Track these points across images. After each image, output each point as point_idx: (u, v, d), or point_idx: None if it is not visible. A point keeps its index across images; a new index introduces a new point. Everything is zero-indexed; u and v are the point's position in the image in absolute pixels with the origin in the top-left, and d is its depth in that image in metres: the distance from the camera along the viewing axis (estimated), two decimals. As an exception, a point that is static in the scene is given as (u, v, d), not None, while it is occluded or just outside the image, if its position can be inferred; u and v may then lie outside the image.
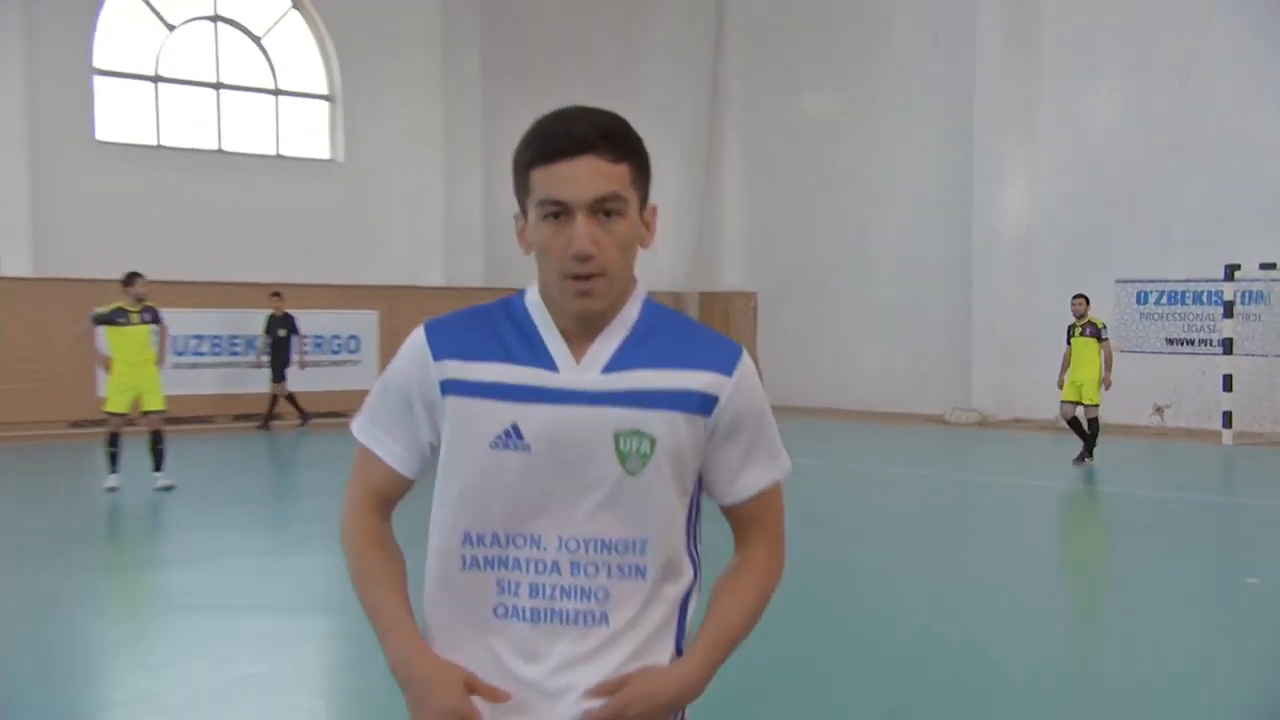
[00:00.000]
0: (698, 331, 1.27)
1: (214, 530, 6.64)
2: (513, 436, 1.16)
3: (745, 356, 1.24)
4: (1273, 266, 11.15)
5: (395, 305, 12.95)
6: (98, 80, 12.06)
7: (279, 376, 11.80)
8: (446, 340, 1.21)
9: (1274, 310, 12.00)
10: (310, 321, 12.19)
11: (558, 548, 1.17)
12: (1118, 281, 12.78)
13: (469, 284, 13.37)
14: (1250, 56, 11.81)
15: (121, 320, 7.98)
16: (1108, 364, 9.52)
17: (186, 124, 12.81)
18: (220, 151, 13.04)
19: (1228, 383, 11.38)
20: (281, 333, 11.85)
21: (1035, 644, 4.38)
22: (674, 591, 1.20)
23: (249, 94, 13.36)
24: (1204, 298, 12.30)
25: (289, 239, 12.83)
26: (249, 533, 6.74)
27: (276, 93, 13.55)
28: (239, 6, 13.11)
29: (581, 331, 1.17)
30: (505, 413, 1.17)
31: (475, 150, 14.09)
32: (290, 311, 11.90)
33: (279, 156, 13.57)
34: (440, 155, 14.03)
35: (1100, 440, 9.47)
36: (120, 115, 12.30)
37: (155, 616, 4.93)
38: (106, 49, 12.09)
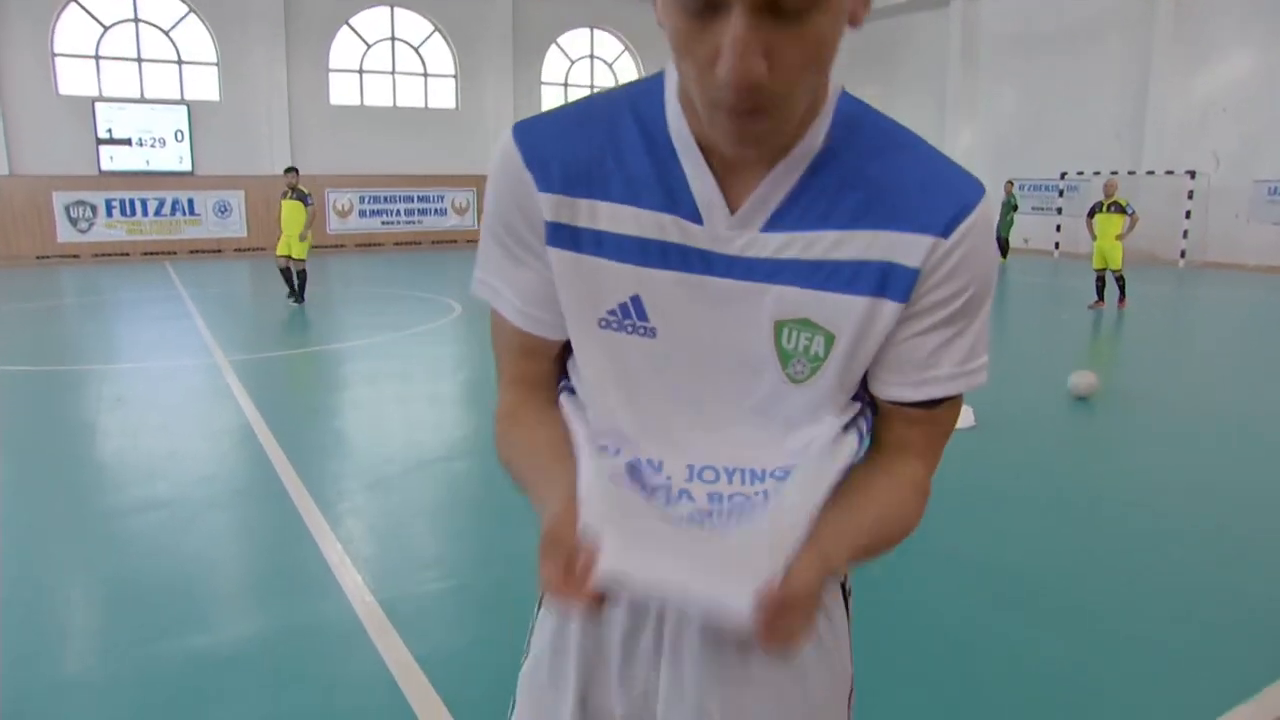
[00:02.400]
0: (913, 162, 0.82)
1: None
2: (630, 314, 0.84)
3: (979, 207, 0.81)
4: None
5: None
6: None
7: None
8: (552, 162, 0.85)
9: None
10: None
11: (686, 478, 0.85)
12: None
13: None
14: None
15: (282, 198, 11.71)
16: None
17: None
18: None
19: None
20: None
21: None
22: None
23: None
24: None
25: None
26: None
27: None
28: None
29: (743, 162, 0.79)
30: (625, 278, 0.83)
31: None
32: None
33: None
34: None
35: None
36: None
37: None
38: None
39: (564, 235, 0.87)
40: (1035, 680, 2.86)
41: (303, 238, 11.54)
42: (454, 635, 3.15)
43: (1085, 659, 2.97)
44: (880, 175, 0.81)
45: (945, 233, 0.81)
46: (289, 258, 11.56)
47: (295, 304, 11.68)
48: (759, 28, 0.67)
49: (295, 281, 11.67)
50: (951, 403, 0.93)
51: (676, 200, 0.82)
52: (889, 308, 0.83)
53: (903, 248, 0.81)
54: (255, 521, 4.32)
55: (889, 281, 0.82)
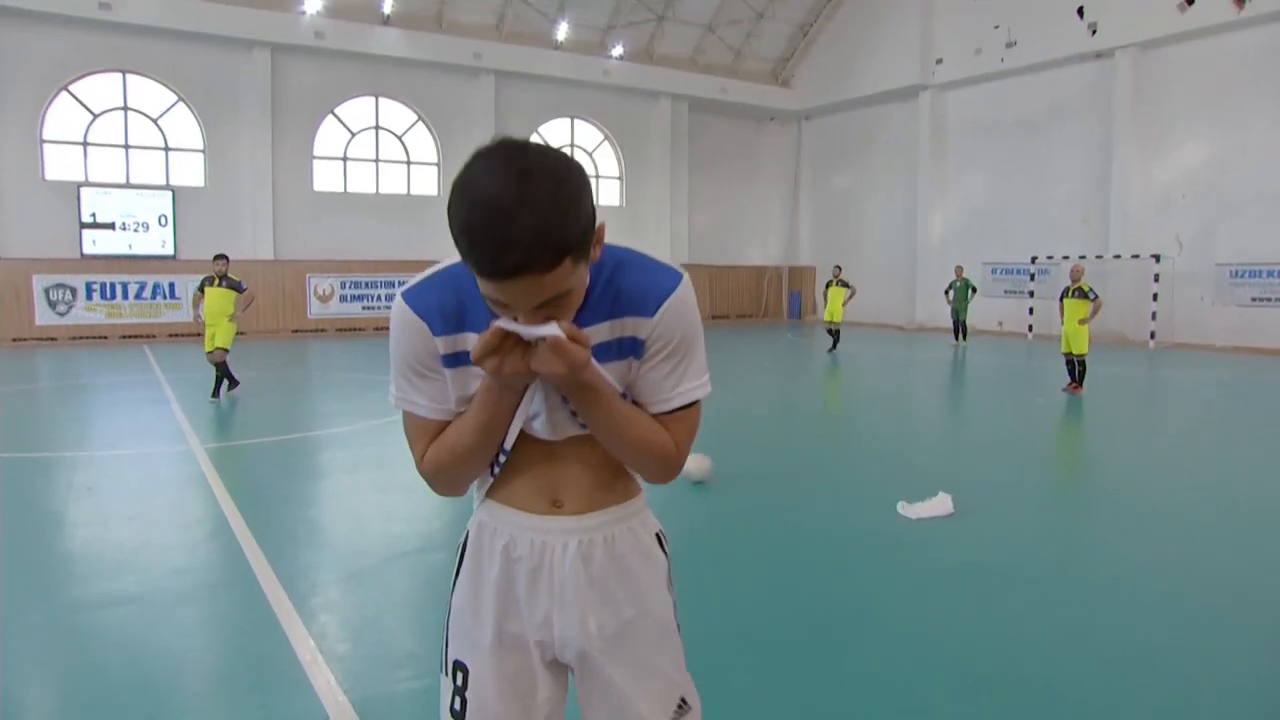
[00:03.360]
0: (637, 272, 1.38)
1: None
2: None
3: (676, 290, 1.37)
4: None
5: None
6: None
7: None
8: (435, 315, 1.37)
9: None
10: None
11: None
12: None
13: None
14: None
15: (208, 285, 10.81)
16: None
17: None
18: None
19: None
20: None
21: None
22: None
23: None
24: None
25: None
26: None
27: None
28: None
29: None
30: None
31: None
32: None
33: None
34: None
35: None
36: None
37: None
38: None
39: (452, 359, 1.43)
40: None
41: (233, 319, 10.87)
42: (428, 736, 3.08)
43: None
44: (620, 285, 1.38)
45: (653, 313, 1.38)
46: (217, 349, 10.78)
47: (210, 399, 10.79)
48: (539, 311, 1.25)
49: (216, 376, 10.86)
50: (690, 407, 1.48)
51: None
52: (635, 363, 1.43)
53: (633, 327, 1.40)
54: (227, 616, 4.24)
55: (626, 348, 1.41)
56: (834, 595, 4.50)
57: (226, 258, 11.16)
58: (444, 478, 1.52)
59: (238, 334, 11.26)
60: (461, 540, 1.66)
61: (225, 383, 10.96)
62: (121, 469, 7.39)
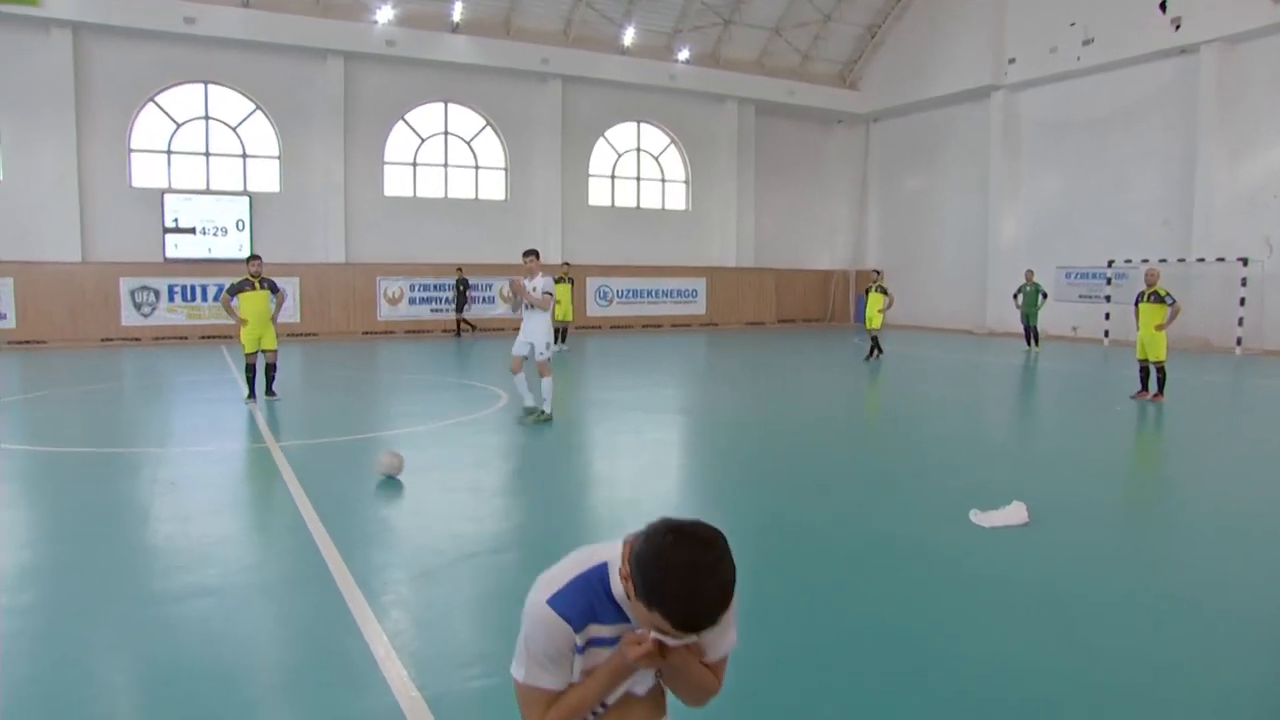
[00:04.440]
0: None
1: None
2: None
3: None
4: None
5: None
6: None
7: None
8: (577, 616, 1.76)
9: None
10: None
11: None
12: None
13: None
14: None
15: (247, 288, 10.76)
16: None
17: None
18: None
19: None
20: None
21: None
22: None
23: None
24: None
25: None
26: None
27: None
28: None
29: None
30: (609, 651, 1.79)
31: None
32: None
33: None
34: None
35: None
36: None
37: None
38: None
39: (583, 646, 1.81)
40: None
41: (274, 320, 10.99)
42: (498, 734, 3.10)
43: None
44: None
45: (718, 617, 1.74)
46: (261, 351, 10.88)
47: (266, 397, 10.92)
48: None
49: (264, 375, 10.98)
50: (722, 659, 1.99)
51: (624, 617, 1.79)
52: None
53: None
54: (302, 610, 4.34)
55: None
56: (898, 600, 4.41)
57: (260, 258, 11.17)
58: None
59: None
60: None
61: (273, 381, 11.07)
62: (202, 465, 7.63)
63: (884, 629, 4.08)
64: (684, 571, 1.62)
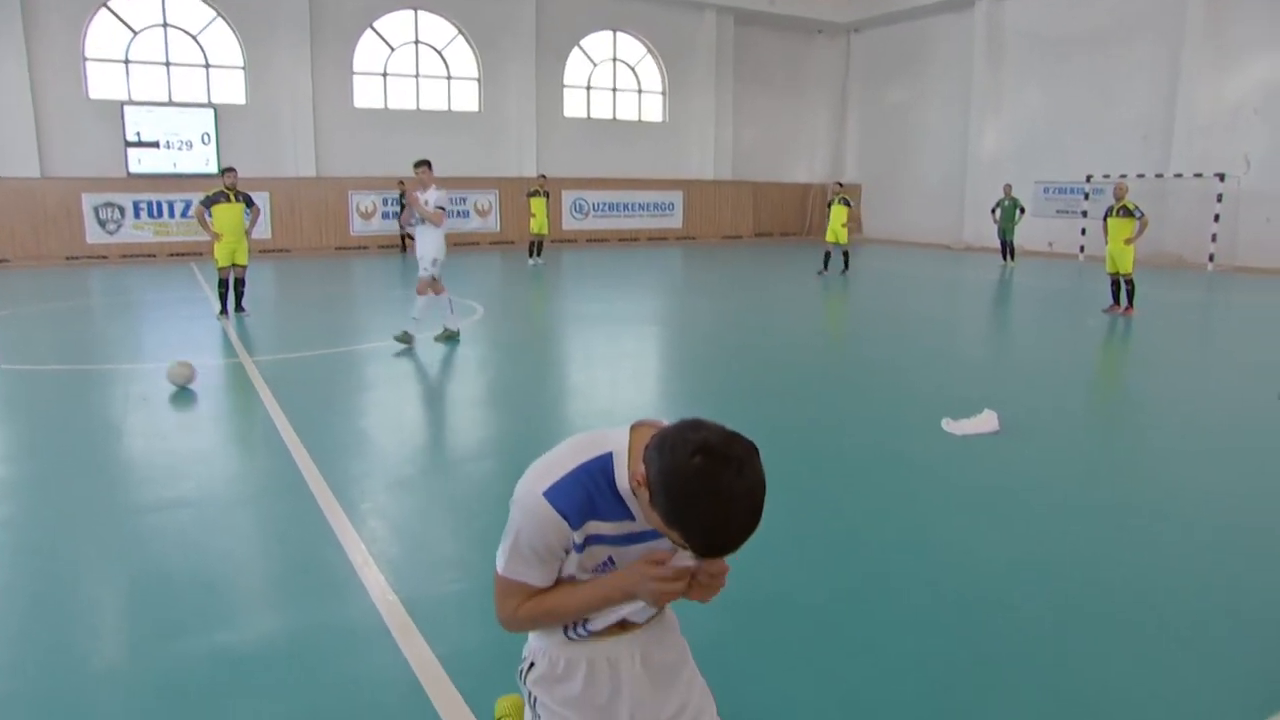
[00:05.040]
0: None
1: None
2: (607, 566, 1.66)
3: None
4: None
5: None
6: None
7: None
8: (575, 512, 1.58)
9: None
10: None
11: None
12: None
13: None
14: None
15: (222, 200, 10.78)
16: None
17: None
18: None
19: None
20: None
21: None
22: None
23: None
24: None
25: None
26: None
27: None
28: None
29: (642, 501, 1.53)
30: (605, 551, 1.64)
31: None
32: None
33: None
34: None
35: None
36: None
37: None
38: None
39: (583, 545, 1.64)
40: (1048, 671, 2.83)
41: (247, 235, 11.04)
42: (475, 634, 3.17)
43: (1105, 654, 2.94)
44: None
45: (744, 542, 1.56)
46: (234, 265, 10.92)
47: (235, 313, 10.94)
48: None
49: (233, 291, 11.02)
50: None
51: (628, 513, 1.62)
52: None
53: None
54: (280, 520, 4.37)
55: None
56: (867, 505, 4.50)
57: (234, 170, 11.15)
58: (527, 628, 1.78)
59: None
60: (527, 665, 1.88)
61: (242, 297, 11.17)
62: (175, 381, 7.57)
63: (856, 530, 4.17)
64: (714, 499, 1.42)
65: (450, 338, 9.31)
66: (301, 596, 3.50)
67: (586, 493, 1.59)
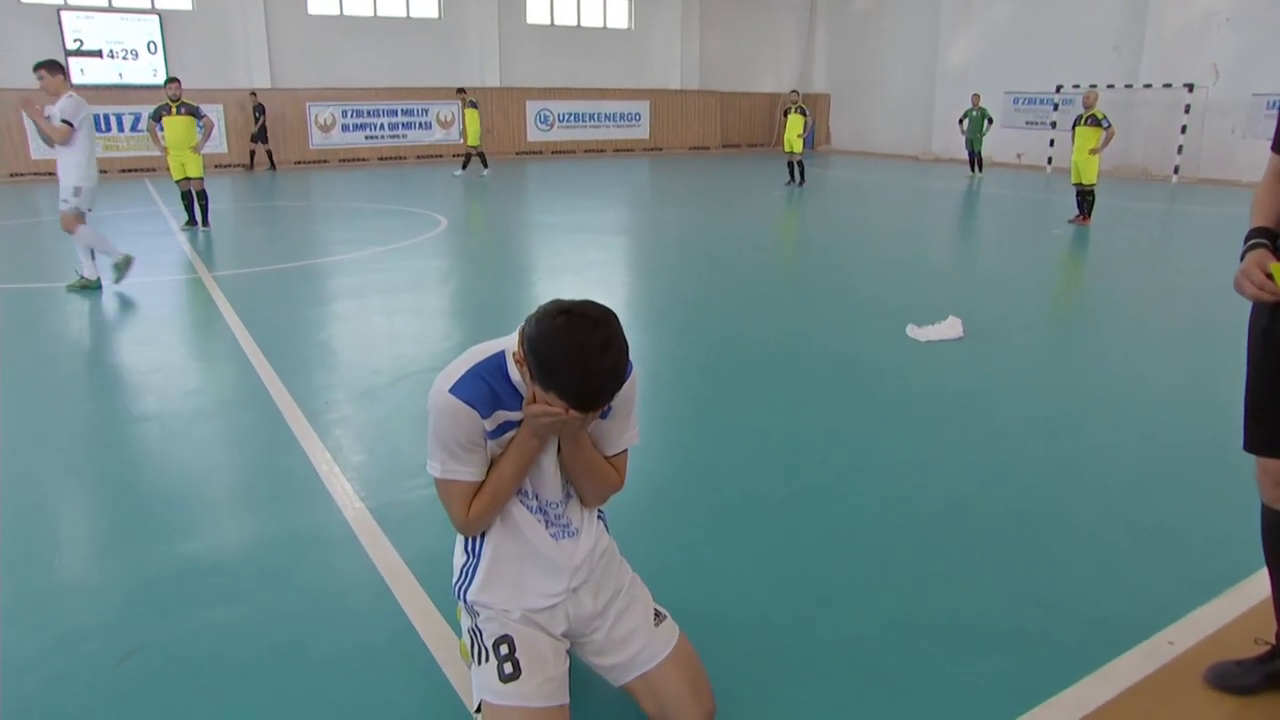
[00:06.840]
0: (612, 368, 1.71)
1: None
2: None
3: (628, 378, 1.79)
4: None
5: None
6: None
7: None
8: (479, 402, 1.78)
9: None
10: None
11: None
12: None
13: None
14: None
15: (165, 114, 10.67)
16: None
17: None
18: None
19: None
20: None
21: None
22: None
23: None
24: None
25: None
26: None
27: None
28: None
29: None
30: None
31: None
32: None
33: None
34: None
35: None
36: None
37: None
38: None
39: (496, 431, 1.86)
40: (1004, 569, 2.93)
41: (196, 150, 10.85)
42: (442, 539, 3.17)
43: (1056, 555, 3.04)
44: None
45: (613, 395, 1.74)
46: (188, 179, 10.84)
47: (201, 228, 10.90)
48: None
49: (197, 204, 10.94)
50: (625, 451, 2.08)
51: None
52: (600, 421, 1.95)
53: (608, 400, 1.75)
54: (244, 432, 4.34)
55: (606, 412, 1.89)
56: (830, 409, 4.56)
57: (178, 81, 10.90)
58: (486, 519, 1.94)
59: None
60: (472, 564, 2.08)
61: (207, 212, 11.10)
62: (132, 297, 7.41)
63: (821, 434, 4.23)
64: (575, 350, 1.63)
65: (86, 287, 7.50)
66: (268, 505, 3.50)
67: (488, 385, 1.80)
